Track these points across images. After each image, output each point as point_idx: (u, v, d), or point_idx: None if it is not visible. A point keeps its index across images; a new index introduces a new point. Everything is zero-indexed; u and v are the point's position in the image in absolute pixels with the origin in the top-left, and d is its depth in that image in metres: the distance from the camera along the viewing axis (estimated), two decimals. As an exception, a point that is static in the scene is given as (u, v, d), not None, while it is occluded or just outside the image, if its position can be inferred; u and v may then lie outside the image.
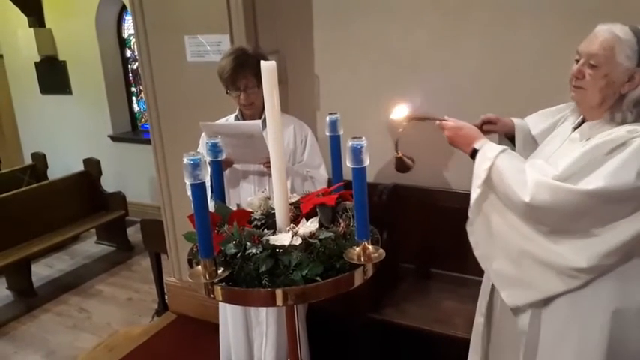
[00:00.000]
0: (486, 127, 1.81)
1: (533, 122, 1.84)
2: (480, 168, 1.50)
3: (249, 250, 1.12)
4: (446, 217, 2.53)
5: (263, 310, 2.32)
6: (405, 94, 2.69)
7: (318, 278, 1.09)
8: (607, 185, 1.32)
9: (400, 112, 1.72)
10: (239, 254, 1.12)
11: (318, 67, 2.94)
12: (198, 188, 1.04)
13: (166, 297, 3.54)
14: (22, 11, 5.23)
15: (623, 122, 1.40)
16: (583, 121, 1.53)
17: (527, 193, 1.39)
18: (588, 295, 1.45)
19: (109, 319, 3.64)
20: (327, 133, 1.38)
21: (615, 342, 1.46)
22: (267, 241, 1.14)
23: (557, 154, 1.53)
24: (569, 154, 1.43)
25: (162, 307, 3.56)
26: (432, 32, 2.61)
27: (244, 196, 2.20)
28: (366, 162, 1.08)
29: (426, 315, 2.47)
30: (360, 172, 1.08)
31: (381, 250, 1.17)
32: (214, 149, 1.33)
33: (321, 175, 2.30)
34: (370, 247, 1.14)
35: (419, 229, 2.74)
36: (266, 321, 2.34)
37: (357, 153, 1.07)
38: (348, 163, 1.09)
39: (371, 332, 2.53)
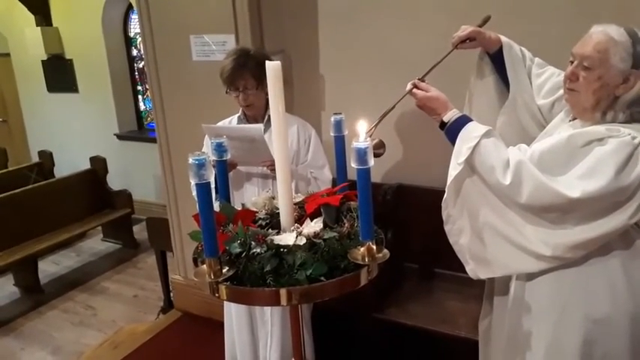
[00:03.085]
0: (461, 47, 1.77)
1: (537, 84, 1.78)
2: (464, 146, 1.48)
3: (254, 250, 1.12)
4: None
5: (268, 310, 2.33)
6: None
7: (322, 278, 1.10)
8: (584, 192, 1.32)
9: (362, 127, 1.71)
10: (244, 254, 1.12)
11: (324, 67, 2.94)
12: (203, 188, 1.04)
13: (172, 295, 3.55)
14: (29, 10, 5.27)
15: (613, 122, 1.39)
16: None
17: (509, 176, 1.40)
18: (571, 279, 1.47)
19: (115, 317, 3.66)
20: (332, 134, 1.38)
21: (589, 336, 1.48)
22: (272, 240, 1.14)
23: None
24: (539, 144, 1.45)
25: (168, 305, 3.58)
26: (438, 33, 2.59)
27: (248, 197, 2.21)
28: (371, 162, 1.08)
29: (430, 315, 2.47)
30: (364, 173, 1.08)
31: (385, 251, 1.18)
32: (219, 149, 1.34)
33: (325, 175, 2.29)
34: (374, 247, 1.14)
35: (423, 229, 2.73)
36: (271, 321, 2.35)
37: (361, 153, 1.07)
38: (352, 164, 1.09)
39: (375, 332, 2.53)
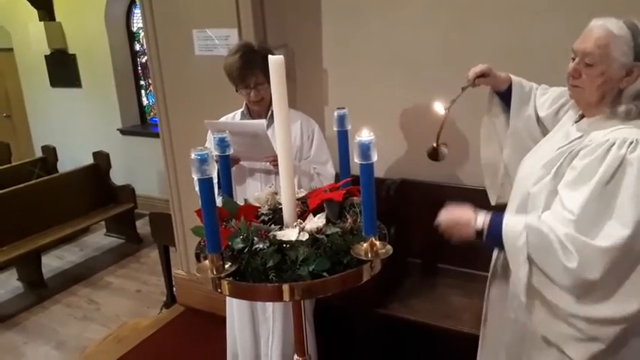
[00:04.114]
0: (478, 81, 1.78)
1: (540, 102, 1.80)
2: (516, 244, 1.37)
3: (257, 245, 1.11)
4: (454, 212, 2.52)
5: (270, 306, 2.33)
6: (413, 89, 2.68)
7: (325, 274, 1.09)
8: (636, 225, 1.26)
9: (439, 107, 1.75)
10: (246, 249, 1.12)
11: (327, 61, 2.93)
12: (206, 183, 1.04)
13: (174, 289, 3.56)
14: (32, 4, 5.27)
15: (627, 116, 1.36)
16: (583, 116, 1.50)
17: (574, 259, 1.30)
18: None
19: (118, 311, 3.67)
20: (335, 128, 1.37)
21: None
22: (275, 236, 1.14)
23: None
24: (571, 197, 1.34)
25: (171, 300, 3.59)
26: (441, 29, 2.59)
27: (251, 193, 2.20)
28: (374, 158, 1.07)
29: (433, 310, 2.47)
30: (367, 168, 1.07)
31: (389, 246, 1.17)
32: (222, 144, 1.33)
33: (328, 171, 2.28)
34: (377, 242, 1.14)
35: (426, 224, 2.70)
36: (272, 317, 2.35)
37: (364, 149, 1.06)
38: (355, 159, 1.08)
39: (378, 327, 2.53)
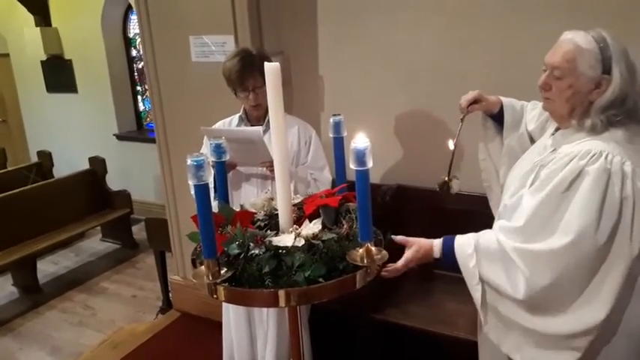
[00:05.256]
0: (471, 108, 1.81)
1: (530, 117, 1.83)
2: (468, 266, 1.44)
3: (253, 251, 1.12)
4: (450, 218, 2.52)
5: (266, 309, 2.33)
6: (408, 95, 2.69)
7: (320, 279, 1.10)
8: (578, 234, 1.27)
9: (450, 144, 1.80)
10: (242, 255, 1.13)
11: (323, 67, 2.94)
12: (202, 189, 1.04)
13: (170, 295, 3.55)
14: (29, 10, 5.26)
15: (593, 129, 1.37)
16: (559, 129, 1.52)
17: (523, 273, 1.33)
18: None
19: (114, 317, 3.66)
20: (331, 135, 1.37)
21: None
22: (270, 242, 1.14)
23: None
24: (526, 203, 1.38)
25: (167, 305, 3.58)
26: (437, 34, 2.61)
27: (247, 198, 2.20)
28: (370, 164, 1.08)
29: (429, 316, 2.47)
30: (363, 174, 1.08)
31: (384, 252, 1.18)
32: (218, 150, 1.33)
33: (325, 177, 2.29)
34: (373, 248, 1.14)
35: (422, 230, 2.71)
36: (267, 321, 2.35)
37: (360, 155, 1.07)
38: (351, 165, 1.09)
39: (374, 333, 2.53)
